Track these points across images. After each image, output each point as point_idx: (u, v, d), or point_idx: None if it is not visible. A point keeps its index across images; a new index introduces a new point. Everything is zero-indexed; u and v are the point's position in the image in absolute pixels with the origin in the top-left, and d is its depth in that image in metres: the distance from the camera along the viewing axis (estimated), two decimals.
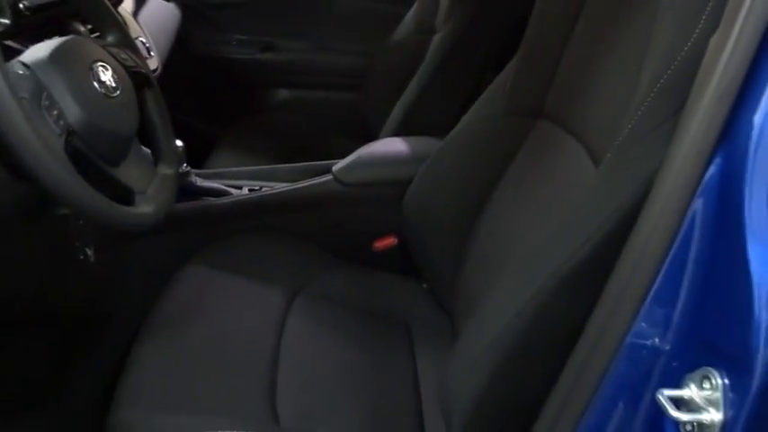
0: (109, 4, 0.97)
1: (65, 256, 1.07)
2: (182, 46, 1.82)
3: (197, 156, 1.52)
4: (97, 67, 0.83)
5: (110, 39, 0.95)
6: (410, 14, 1.82)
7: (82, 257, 1.07)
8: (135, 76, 0.92)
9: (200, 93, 2.04)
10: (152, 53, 1.46)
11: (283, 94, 2.12)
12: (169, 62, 1.63)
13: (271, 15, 2.01)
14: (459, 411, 0.71)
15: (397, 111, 1.52)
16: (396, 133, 1.46)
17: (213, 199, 1.23)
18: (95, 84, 0.81)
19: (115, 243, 1.14)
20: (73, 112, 0.76)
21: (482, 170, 1.05)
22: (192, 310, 1.02)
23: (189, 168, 1.25)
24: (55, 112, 0.74)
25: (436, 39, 1.51)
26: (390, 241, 1.24)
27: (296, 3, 2.00)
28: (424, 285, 1.22)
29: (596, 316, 0.59)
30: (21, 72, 0.74)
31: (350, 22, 2.02)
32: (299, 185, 1.24)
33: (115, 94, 0.84)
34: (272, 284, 1.11)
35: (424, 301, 1.19)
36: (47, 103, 0.74)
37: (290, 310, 1.07)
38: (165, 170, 0.96)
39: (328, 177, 1.24)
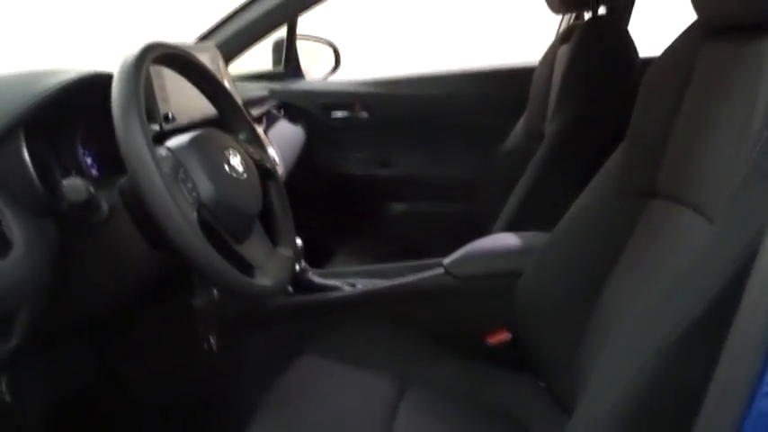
0: (244, 110, 1.10)
1: (190, 344, 1.14)
2: (305, 162, 1.98)
3: (315, 262, 1.61)
4: (228, 152, 0.93)
5: (241, 136, 1.07)
6: (520, 123, 1.88)
7: (206, 346, 1.14)
8: (260, 168, 1.02)
9: (320, 204, 2.18)
10: (277, 165, 1.60)
11: (399, 207, 2.21)
12: (293, 175, 1.78)
13: (388, 133, 2.15)
14: None
15: (509, 207, 1.54)
16: (507, 229, 1.47)
17: (328, 292, 1.27)
18: (225, 166, 0.91)
19: (235, 333, 1.20)
20: (204, 186, 0.86)
21: (595, 256, 1.02)
22: (305, 398, 1.03)
23: (307, 266, 1.32)
24: (189, 185, 0.84)
25: (547, 134, 1.54)
26: (503, 336, 1.21)
27: (412, 121, 2.14)
28: (541, 384, 1.16)
29: (719, 373, 0.54)
30: (164, 154, 0.86)
31: (462, 136, 2.11)
32: (411, 279, 1.26)
33: (242, 177, 0.93)
34: (383, 376, 1.10)
35: (541, 400, 1.13)
36: (183, 176, 0.84)
37: (401, 402, 1.05)
38: (284, 252, 1.02)
39: (439, 271, 1.25)
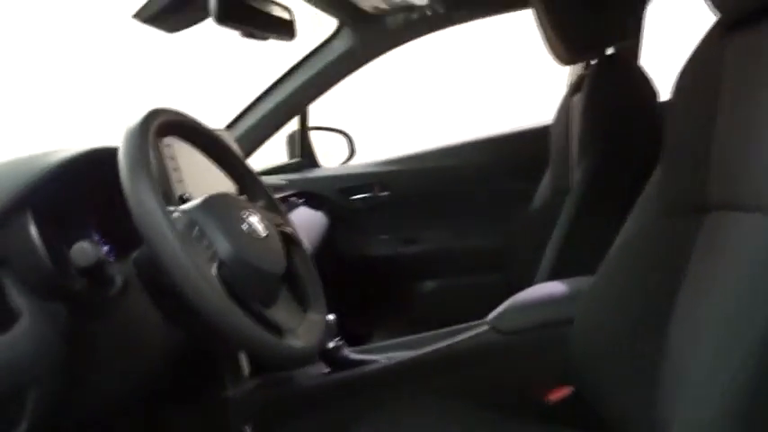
0: (261, 181, 1.06)
1: None
2: (329, 248, 1.94)
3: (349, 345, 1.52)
4: (245, 213, 0.88)
5: (259, 203, 1.02)
6: (545, 181, 1.84)
7: None
8: (281, 234, 0.97)
9: (348, 289, 2.10)
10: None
11: (430, 284, 2.14)
12: (318, 261, 1.72)
13: (410, 210, 2.12)
14: None
15: (546, 261, 1.47)
16: (547, 280, 1.38)
17: (367, 366, 1.19)
18: (243, 225, 0.86)
19: (272, 421, 1.11)
20: (221, 243, 0.80)
21: (654, 285, 0.93)
22: None
23: (342, 342, 1.24)
24: (205, 242, 0.79)
25: (575, 182, 1.48)
26: (565, 391, 1.10)
27: (432, 195, 2.11)
28: None
29: None
30: (176, 215, 0.81)
31: (484, 203, 2.07)
32: (455, 340, 1.17)
33: (262, 236, 0.87)
34: None
35: None
36: (198, 234, 0.79)
37: None
38: (314, 317, 0.95)
39: (484, 328, 1.16)
